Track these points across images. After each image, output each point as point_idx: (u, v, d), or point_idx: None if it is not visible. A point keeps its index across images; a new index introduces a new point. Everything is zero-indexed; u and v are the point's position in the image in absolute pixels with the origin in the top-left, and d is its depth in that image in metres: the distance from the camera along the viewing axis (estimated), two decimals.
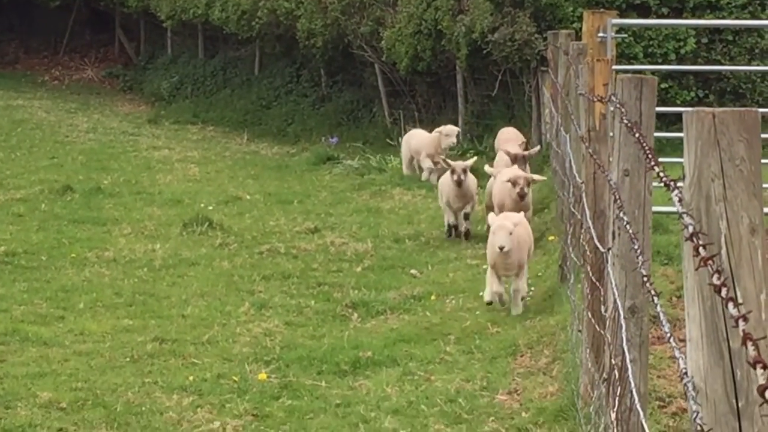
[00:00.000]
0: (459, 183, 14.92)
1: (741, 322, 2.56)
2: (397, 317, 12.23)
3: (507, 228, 11.35)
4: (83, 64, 37.31)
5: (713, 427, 2.88)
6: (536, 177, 14.79)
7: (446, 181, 15.43)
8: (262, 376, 10.17)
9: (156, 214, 17.13)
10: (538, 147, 18.36)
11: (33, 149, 22.74)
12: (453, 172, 15.01)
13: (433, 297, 12.66)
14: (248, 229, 16.12)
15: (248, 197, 18.50)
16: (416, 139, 20.15)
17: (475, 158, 16.92)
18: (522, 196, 13.78)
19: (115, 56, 37.59)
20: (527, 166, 16.42)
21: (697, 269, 2.88)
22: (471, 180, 15.51)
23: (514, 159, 16.14)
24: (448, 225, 15.70)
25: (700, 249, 2.85)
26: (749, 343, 2.47)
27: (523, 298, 11.87)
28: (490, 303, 11.84)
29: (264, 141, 24.00)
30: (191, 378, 10.07)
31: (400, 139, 21.70)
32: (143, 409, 9.33)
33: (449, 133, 19.22)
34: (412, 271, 14.09)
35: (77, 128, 25.38)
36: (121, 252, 14.71)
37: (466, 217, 15.47)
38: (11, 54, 38.32)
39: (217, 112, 26.57)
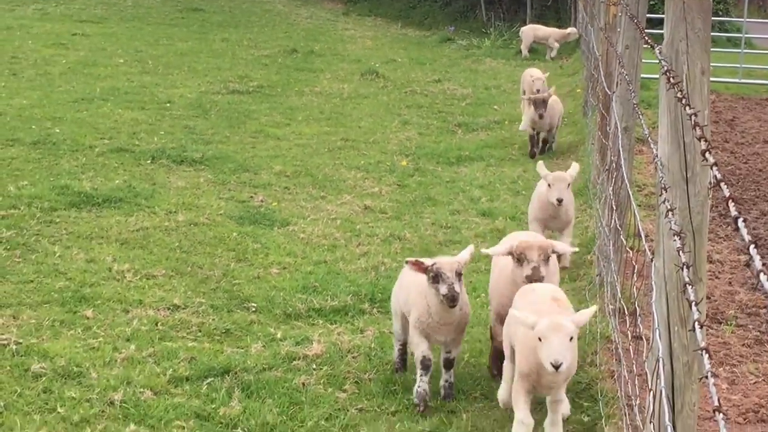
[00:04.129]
0: (452, 299, 4.84)
1: (694, 117, 2.56)
2: (485, 133, 12.06)
3: (567, 331, 4.14)
4: None
5: (671, 186, 2.84)
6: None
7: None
8: (404, 162, 10.21)
9: (345, 67, 16.53)
10: (553, 88, 10.78)
11: (275, 27, 21.86)
12: (438, 278, 4.80)
13: (506, 122, 12.41)
14: (399, 78, 15.58)
15: (399, 60, 17.79)
16: (543, 31, 18.32)
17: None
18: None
19: None
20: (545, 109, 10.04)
21: (667, 91, 2.84)
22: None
23: (536, 104, 10.00)
24: None
25: (671, 79, 2.83)
26: (699, 130, 2.47)
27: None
28: None
29: (410, 28, 22.93)
30: (362, 162, 10.17)
31: (490, 30, 20.90)
32: (334, 178, 9.49)
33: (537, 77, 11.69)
34: (495, 107, 13.63)
35: (300, 15, 24.54)
36: (324, 88, 14.40)
37: None
38: None
39: (383, 11, 25.54)
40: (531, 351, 4.24)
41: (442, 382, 5.06)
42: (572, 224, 7.08)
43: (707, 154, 2.25)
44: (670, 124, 2.84)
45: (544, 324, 4.09)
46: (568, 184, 6.76)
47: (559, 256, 5.59)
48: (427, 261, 4.80)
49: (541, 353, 4.11)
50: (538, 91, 11.02)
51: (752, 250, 1.63)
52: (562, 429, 4.52)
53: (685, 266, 2.40)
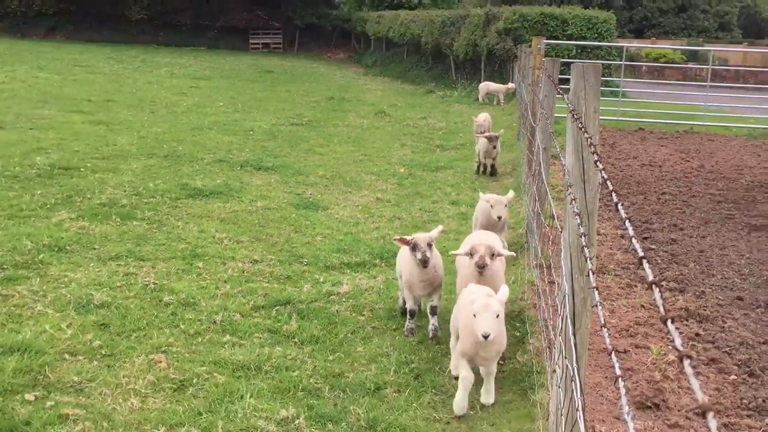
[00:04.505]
0: (424, 262, 4.44)
1: (589, 139, 2.49)
2: (455, 151, 11.94)
3: (494, 309, 3.56)
4: (339, 51, 37.10)
5: (574, 184, 2.62)
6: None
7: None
8: (402, 170, 10.13)
9: (364, 109, 16.43)
10: (502, 130, 10.82)
11: (320, 83, 21.81)
12: (415, 248, 4.45)
13: (468, 144, 12.23)
14: (399, 116, 15.52)
15: (399, 104, 17.74)
16: (493, 86, 17.73)
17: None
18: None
19: (351, 49, 37.13)
20: (498, 143, 9.64)
21: (572, 123, 2.71)
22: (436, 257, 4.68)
23: (491, 140, 9.50)
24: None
25: (574, 115, 2.70)
26: (592, 148, 2.42)
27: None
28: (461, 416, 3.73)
29: (406, 83, 22.70)
30: (375, 169, 10.07)
31: (458, 85, 20.68)
32: (357, 179, 9.36)
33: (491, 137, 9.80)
34: (460, 135, 13.40)
35: (336, 75, 24.46)
36: (351, 122, 14.36)
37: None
38: (312, 44, 38.29)
39: (389, 72, 25.69)
40: (470, 333, 3.68)
41: (430, 326, 4.70)
42: (507, 229, 5.95)
43: (597, 163, 2.20)
44: (573, 145, 2.72)
45: (478, 304, 3.59)
46: (505, 205, 5.64)
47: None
48: (408, 237, 4.53)
49: (475, 326, 3.59)
50: (482, 131, 10.54)
51: (627, 224, 1.60)
52: (494, 394, 3.86)
53: (582, 236, 2.33)
